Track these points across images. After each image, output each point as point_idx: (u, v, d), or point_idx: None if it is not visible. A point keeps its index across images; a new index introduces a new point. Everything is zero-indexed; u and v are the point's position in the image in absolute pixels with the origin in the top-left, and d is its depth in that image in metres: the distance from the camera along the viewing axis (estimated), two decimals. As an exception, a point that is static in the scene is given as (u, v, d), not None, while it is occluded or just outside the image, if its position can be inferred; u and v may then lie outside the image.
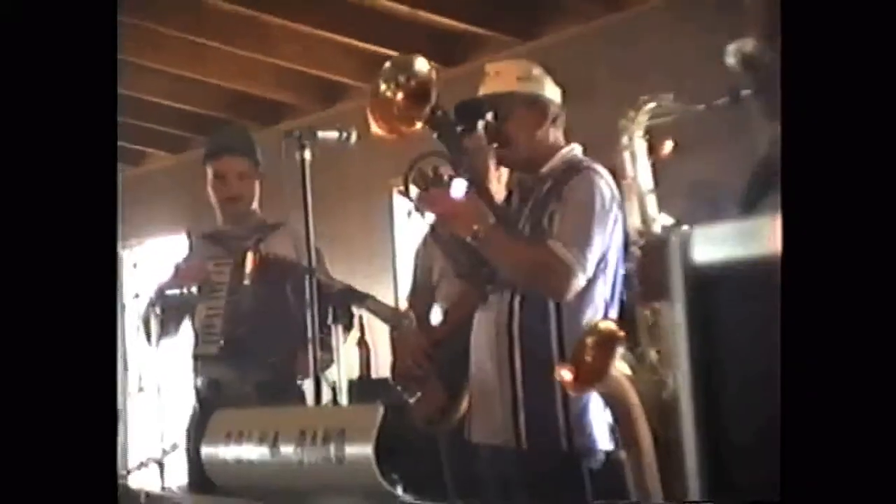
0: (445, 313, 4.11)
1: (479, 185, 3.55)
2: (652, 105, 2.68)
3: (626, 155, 2.73)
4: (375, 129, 3.58)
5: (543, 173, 3.54)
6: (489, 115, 3.52)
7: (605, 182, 3.33)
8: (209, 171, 4.79)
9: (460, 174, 3.50)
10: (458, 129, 3.52)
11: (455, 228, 3.52)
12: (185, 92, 8.47)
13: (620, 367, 2.60)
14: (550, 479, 3.32)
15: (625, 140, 2.72)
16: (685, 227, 1.46)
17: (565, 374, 2.72)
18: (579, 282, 3.31)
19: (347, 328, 4.23)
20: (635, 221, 2.72)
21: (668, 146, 2.94)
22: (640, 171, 2.71)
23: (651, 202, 2.69)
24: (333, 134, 3.95)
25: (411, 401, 3.88)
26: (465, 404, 3.74)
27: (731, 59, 2.63)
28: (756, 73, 2.63)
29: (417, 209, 3.57)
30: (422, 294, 4.31)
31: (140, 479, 5.46)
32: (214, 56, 7.78)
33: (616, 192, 3.25)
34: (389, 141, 3.64)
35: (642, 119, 2.69)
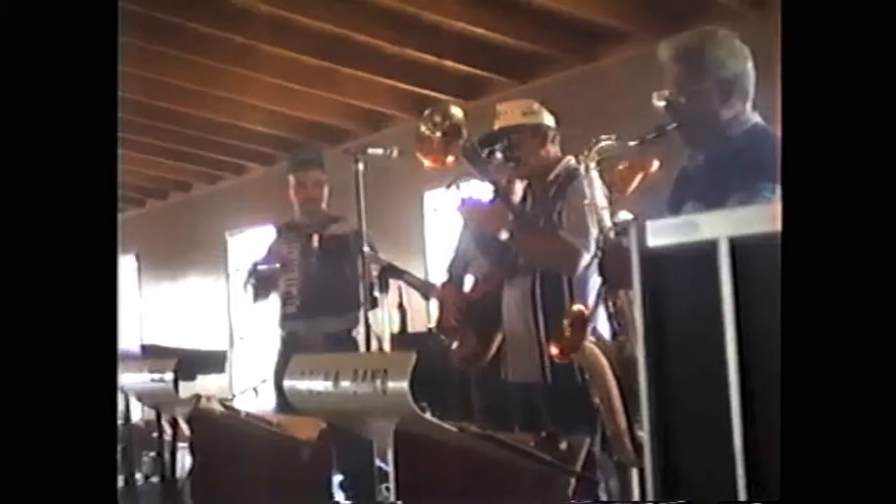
0: (475, 283, 4.07)
1: (502, 195, 3.53)
2: (600, 145, 2.68)
3: (585, 182, 2.72)
4: (424, 162, 3.57)
5: (550, 180, 3.51)
6: (505, 143, 3.52)
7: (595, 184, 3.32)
8: (292, 180, 4.81)
9: (490, 187, 3.51)
10: (484, 154, 3.51)
11: (488, 229, 3.52)
12: (275, 121, 8.49)
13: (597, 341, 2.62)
14: (567, 404, 3.26)
15: (583, 171, 2.72)
16: (640, 221, 1.43)
17: (553, 349, 2.77)
18: (585, 260, 3.27)
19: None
20: (595, 231, 2.71)
21: (655, 165, 2.92)
22: (597, 193, 2.71)
23: (605, 215, 2.68)
24: (379, 150, 3.95)
25: (453, 347, 3.83)
26: (492, 351, 3.71)
27: (657, 102, 2.63)
28: (675, 113, 2.62)
29: (459, 214, 3.58)
30: (458, 267, 4.24)
31: (241, 402, 5.47)
32: (297, 95, 7.80)
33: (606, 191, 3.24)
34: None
35: (594, 155, 2.68)
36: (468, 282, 4.13)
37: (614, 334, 2.65)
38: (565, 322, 2.67)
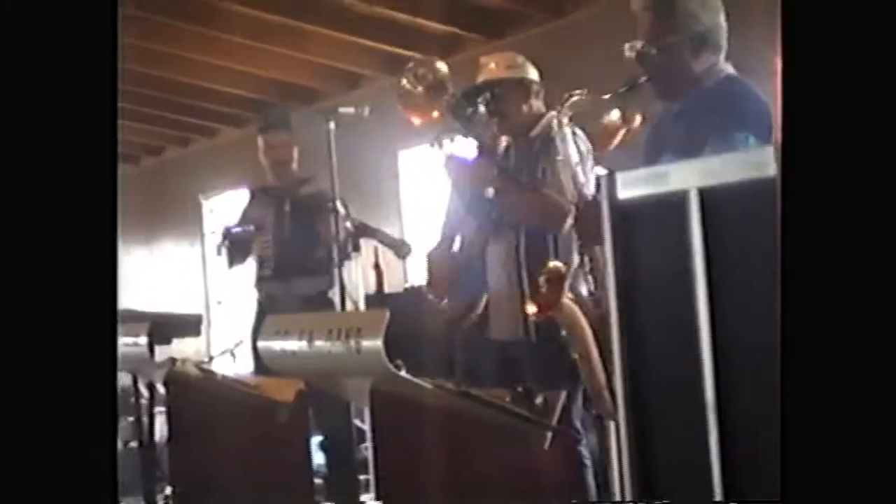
0: (463, 242, 4.02)
1: (487, 151, 3.47)
2: (573, 100, 2.63)
3: (558, 139, 2.68)
4: (411, 118, 3.49)
5: (533, 136, 3.45)
6: (488, 96, 3.44)
7: (581, 140, 3.25)
8: (261, 142, 4.79)
9: (474, 144, 3.44)
10: (468, 109, 3.44)
11: (473, 187, 3.45)
12: (246, 83, 8.41)
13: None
14: (550, 360, 3.16)
15: (555, 127, 2.67)
16: (611, 173, 1.43)
17: (530, 308, 2.72)
18: (570, 219, 3.22)
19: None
20: (570, 187, 2.66)
21: (637, 120, 2.89)
22: (570, 149, 2.67)
23: (579, 172, 2.64)
24: (351, 109, 3.92)
25: (441, 306, 3.75)
26: (478, 311, 3.64)
27: (628, 54, 2.61)
28: (646, 65, 2.60)
29: (445, 172, 3.50)
30: (449, 226, 4.18)
31: (218, 365, 5.47)
32: (267, 56, 7.69)
33: (588, 146, 3.17)
34: (397, 115, 3.56)
35: (566, 111, 2.64)
36: (457, 242, 4.09)
37: (591, 290, 2.64)
38: (542, 279, 2.65)
